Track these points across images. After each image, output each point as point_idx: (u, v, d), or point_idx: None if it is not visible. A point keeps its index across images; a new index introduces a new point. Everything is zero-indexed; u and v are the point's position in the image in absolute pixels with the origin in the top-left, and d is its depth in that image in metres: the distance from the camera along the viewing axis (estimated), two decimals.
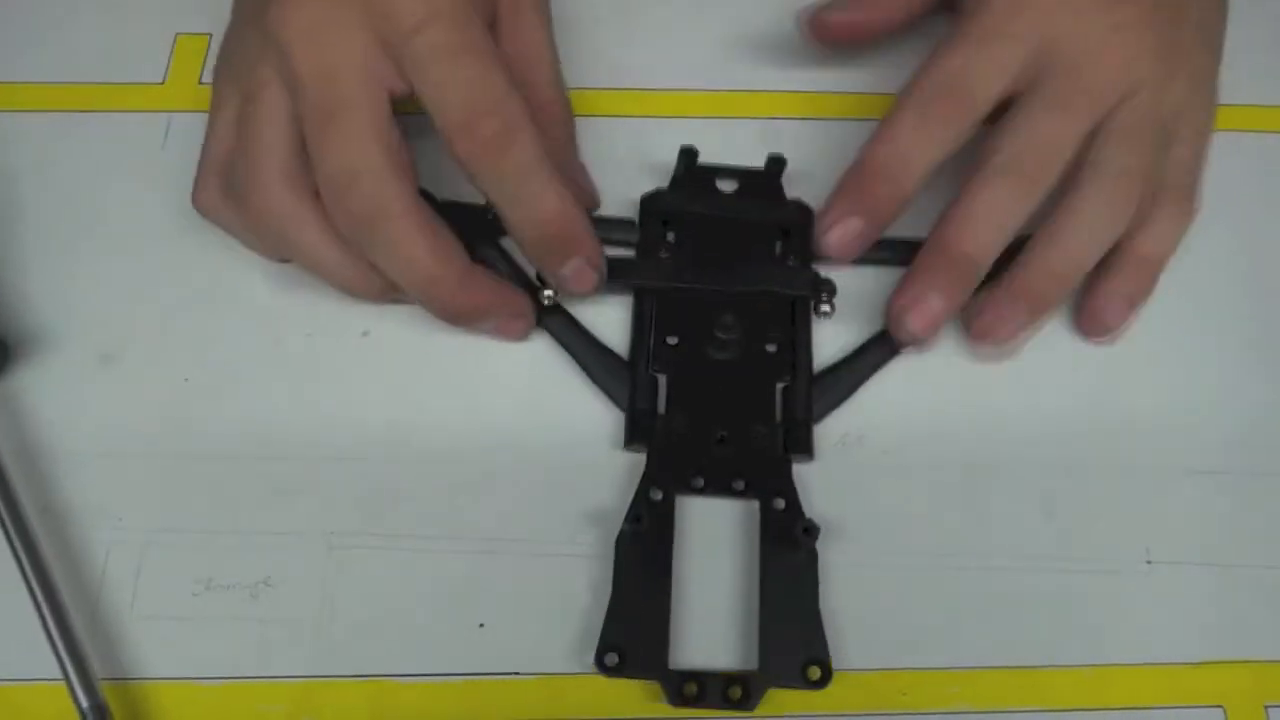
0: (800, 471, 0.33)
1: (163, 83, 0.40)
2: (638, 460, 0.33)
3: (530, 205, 0.32)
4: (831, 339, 0.36)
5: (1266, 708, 0.31)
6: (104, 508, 0.32)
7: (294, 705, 0.30)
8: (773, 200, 0.37)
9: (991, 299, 0.35)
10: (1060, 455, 0.34)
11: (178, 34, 0.40)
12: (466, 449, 0.33)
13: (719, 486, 0.33)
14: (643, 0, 0.42)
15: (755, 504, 0.33)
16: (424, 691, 0.30)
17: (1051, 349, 0.36)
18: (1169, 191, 0.35)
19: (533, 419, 0.34)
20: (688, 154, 0.37)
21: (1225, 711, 0.31)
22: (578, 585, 0.32)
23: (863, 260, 0.36)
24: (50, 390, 0.34)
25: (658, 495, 0.32)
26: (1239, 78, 0.39)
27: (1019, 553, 0.33)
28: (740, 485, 0.33)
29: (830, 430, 0.34)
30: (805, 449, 0.33)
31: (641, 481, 0.32)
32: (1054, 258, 0.34)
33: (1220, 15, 0.38)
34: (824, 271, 0.36)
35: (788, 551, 0.32)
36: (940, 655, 0.31)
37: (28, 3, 0.41)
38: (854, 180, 0.35)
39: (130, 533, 0.32)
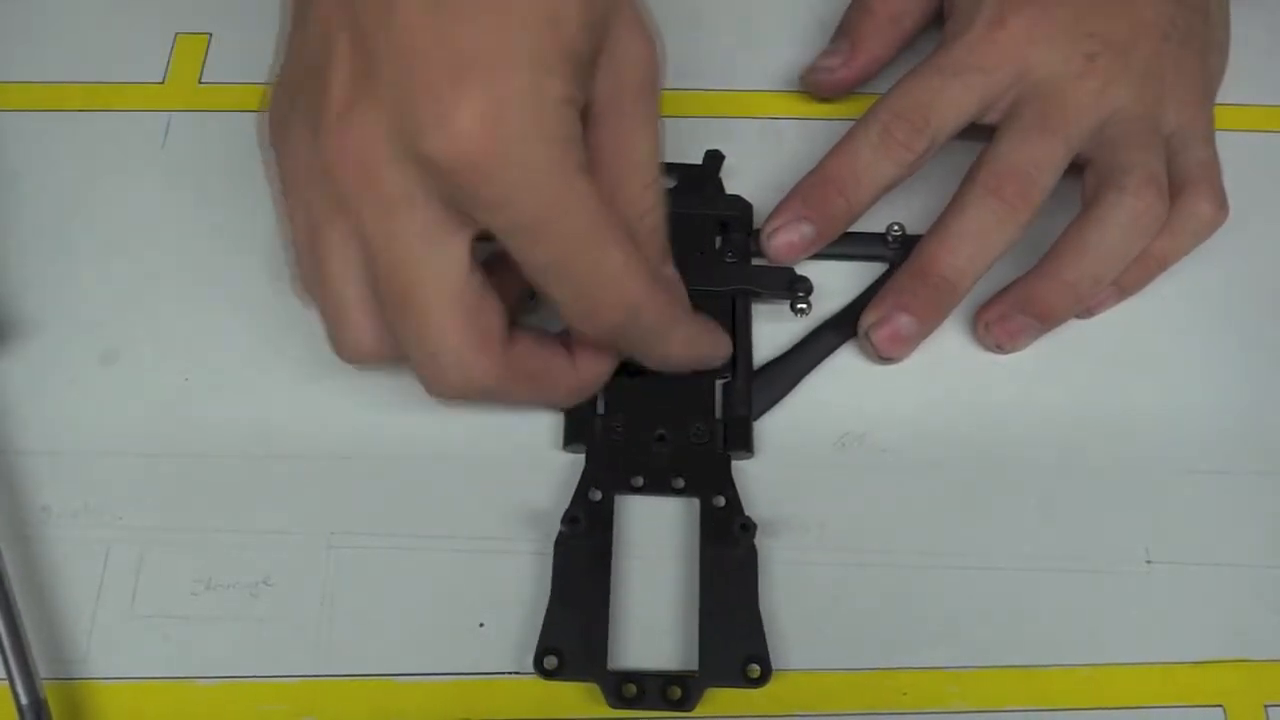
0: (799, 471, 0.33)
1: (163, 83, 0.40)
2: (578, 460, 0.33)
3: (665, 357, 0.31)
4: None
5: (1266, 707, 0.31)
6: (104, 508, 0.32)
7: (294, 705, 0.30)
8: (712, 195, 0.37)
9: (1001, 311, 0.35)
10: (1060, 455, 0.34)
11: (177, 34, 0.40)
12: (465, 448, 0.33)
13: (659, 485, 0.33)
14: (643, 1, 0.42)
15: (696, 502, 0.33)
16: (424, 691, 0.30)
17: (1052, 348, 0.36)
18: (1197, 189, 0.35)
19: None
20: None
21: (1225, 711, 0.31)
22: None
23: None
24: (50, 389, 0.34)
25: (596, 495, 0.32)
26: (1239, 78, 0.39)
27: (1019, 553, 0.33)
28: (680, 484, 0.33)
29: (831, 430, 0.34)
30: (745, 446, 0.33)
31: (580, 482, 0.32)
32: (1069, 270, 0.34)
33: (1210, 20, 0.38)
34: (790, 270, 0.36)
35: (727, 550, 0.31)
36: (940, 655, 0.31)
37: (28, 3, 0.41)
38: (809, 188, 0.36)
39: (130, 533, 0.32)
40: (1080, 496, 0.34)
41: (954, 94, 0.35)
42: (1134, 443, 0.35)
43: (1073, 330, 0.36)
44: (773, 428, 0.34)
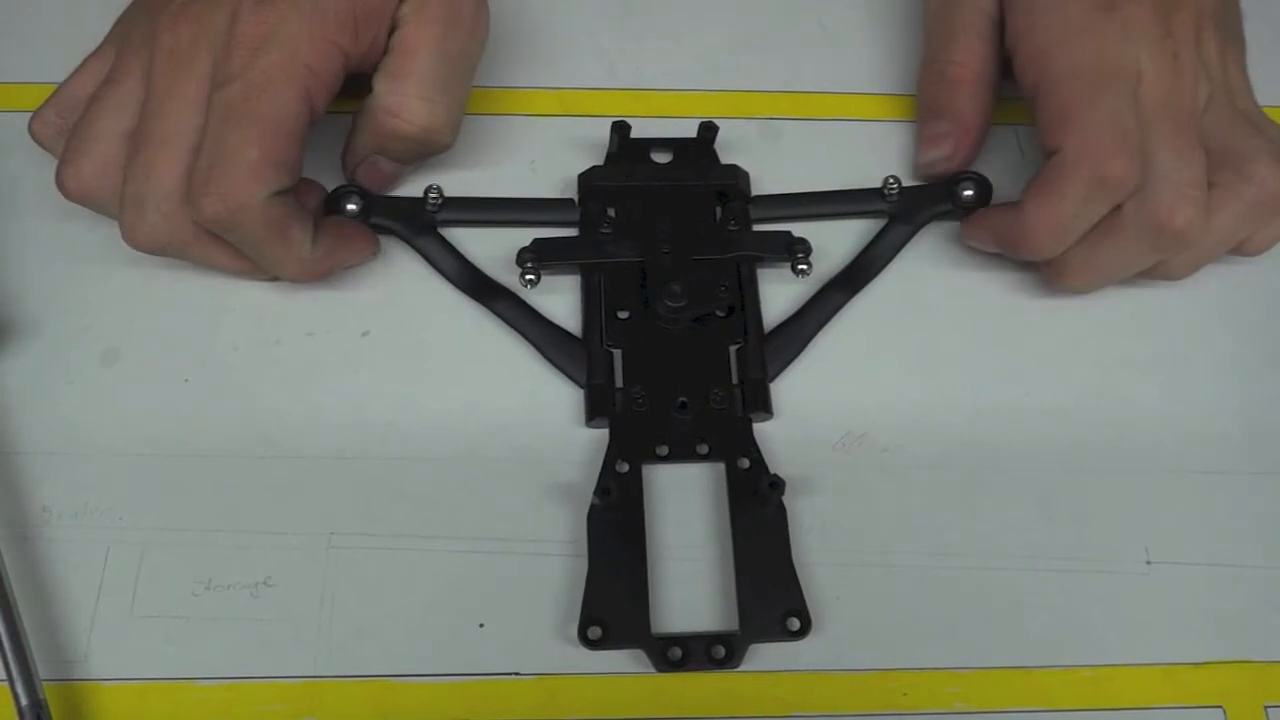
0: (801, 468, 0.33)
1: None
2: (604, 435, 0.33)
3: (271, 268, 0.34)
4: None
5: (1266, 708, 0.31)
6: (104, 508, 0.32)
7: (294, 705, 0.30)
8: (708, 166, 0.38)
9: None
10: (1060, 455, 0.34)
11: None
12: (465, 448, 0.34)
13: (684, 452, 0.33)
14: (643, 0, 0.42)
15: (721, 466, 0.33)
16: (424, 691, 0.30)
17: (1052, 348, 0.36)
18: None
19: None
20: (621, 128, 0.37)
21: (1225, 711, 0.31)
22: (578, 584, 0.32)
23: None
24: (51, 390, 0.34)
25: (624, 467, 0.32)
26: None
27: (1019, 553, 0.33)
28: (704, 449, 0.33)
29: (831, 430, 0.34)
30: (764, 407, 0.34)
31: (607, 455, 0.33)
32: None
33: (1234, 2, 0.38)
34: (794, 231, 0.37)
35: (757, 508, 0.32)
36: (940, 655, 0.31)
37: (28, 3, 0.41)
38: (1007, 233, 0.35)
39: (130, 533, 0.32)
40: (1080, 496, 0.34)
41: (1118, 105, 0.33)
42: (1134, 443, 0.35)
43: (1073, 330, 0.36)
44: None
